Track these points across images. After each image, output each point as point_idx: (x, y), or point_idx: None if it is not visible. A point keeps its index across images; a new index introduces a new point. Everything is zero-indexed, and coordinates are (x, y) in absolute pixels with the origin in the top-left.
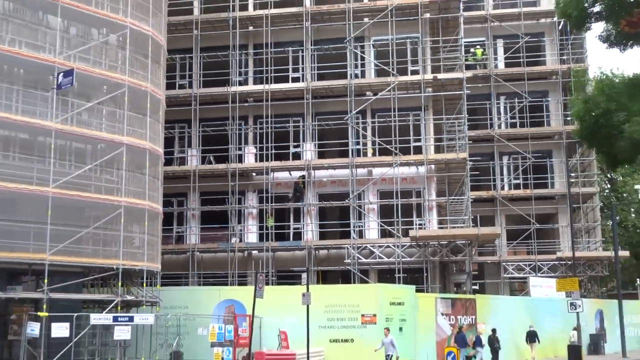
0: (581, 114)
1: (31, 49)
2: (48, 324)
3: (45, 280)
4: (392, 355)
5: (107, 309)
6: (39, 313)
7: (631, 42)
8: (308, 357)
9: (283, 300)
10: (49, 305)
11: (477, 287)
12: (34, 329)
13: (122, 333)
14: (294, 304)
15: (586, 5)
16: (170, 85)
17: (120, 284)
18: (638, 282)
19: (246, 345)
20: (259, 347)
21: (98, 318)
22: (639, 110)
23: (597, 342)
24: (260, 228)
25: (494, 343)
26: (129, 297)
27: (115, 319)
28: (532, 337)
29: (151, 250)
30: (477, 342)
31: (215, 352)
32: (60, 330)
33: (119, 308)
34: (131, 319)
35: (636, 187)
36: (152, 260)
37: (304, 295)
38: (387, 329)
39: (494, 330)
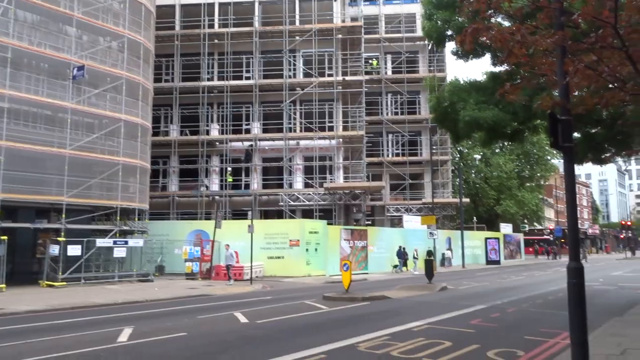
0: (435, 106)
1: (53, 50)
2: (65, 247)
3: (63, 215)
4: (232, 265)
5: (109, 235)
6: (58, 238)
7: (471, 55)
8: (251, 268)
9: (236, 230)
10: (66, 233)
11: (370, 222)
12: (54, 249)
13: (119, 252)
14: (243, 233)
15: (442, 30)
16: (158, 80)
17: (118, 218)
18: (474, 219)
19: (209, 261)
20: (218, 262)
21: (102, 242)
22: (473, 102)
23: (444, 259)
24: (222, 181)
25: (403, 255)
26: (125, 228)
27: (115, 242)
28: (403, 254)
29: (142, 195)
30: (400, 255)
31: (187, 265)
32: (74, 250)
33: (117, 235)
34: (126, 242)
35: (475, 156)
36: (142, 201)
37: (249, 226)
38: (227, 245)
39: (401, 247)
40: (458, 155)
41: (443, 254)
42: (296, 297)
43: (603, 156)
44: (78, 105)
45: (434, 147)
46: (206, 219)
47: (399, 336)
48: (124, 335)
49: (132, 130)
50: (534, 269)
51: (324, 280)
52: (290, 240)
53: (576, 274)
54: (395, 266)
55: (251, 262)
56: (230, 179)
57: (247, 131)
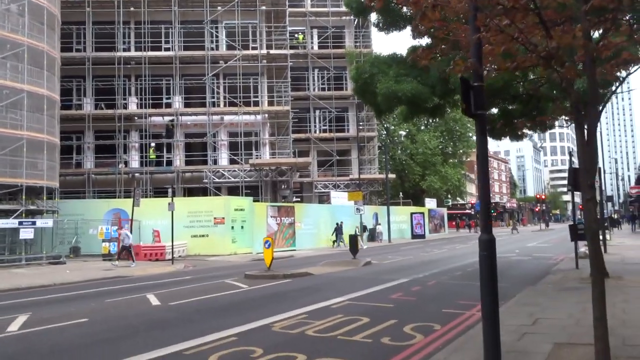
0: (355, 77)
1: None
2: None
3: None
4: (130, 244)
5: (13, 215)
6: None
7: (392, 28)
8: (172, 247)
9: (157, 208)
10: None
11: (299, 199)
12: None
13: (26, 234)
14: (165, 211)
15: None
16: (69, 49)
17: (24, 197)
18: (401, 195)
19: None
20: (138, 242)
21: (5, 223)
22: (393, 74)
23: (373, 234)
24: (142, 157)
25: (339, 231)
26: (32, 207)
27: (20, 223)
28: (340, 230)
29: (51, 172)
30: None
31: (103, 246)
32: None
33: (23, 215)
34: (34, 223)
35: (401, 132)
36: (51, 179)
37: (169, 204)
38: (121, 226)
39: (338, 224)
40: (385, 132)
41: (372, 229)
42: (217, 276)
43: (520, 132)
44: None
45: (361, 123)
46: (125, 197)
47: (317, 314)
48: (16, 324)
49: (37, 103)
50: (456, 242)
51: (251, 258)
52: (215, 218)
53: (487, 246)
54: (334, 242)
55: (172, 241)
56: (153, 155)
57: (168, 105)
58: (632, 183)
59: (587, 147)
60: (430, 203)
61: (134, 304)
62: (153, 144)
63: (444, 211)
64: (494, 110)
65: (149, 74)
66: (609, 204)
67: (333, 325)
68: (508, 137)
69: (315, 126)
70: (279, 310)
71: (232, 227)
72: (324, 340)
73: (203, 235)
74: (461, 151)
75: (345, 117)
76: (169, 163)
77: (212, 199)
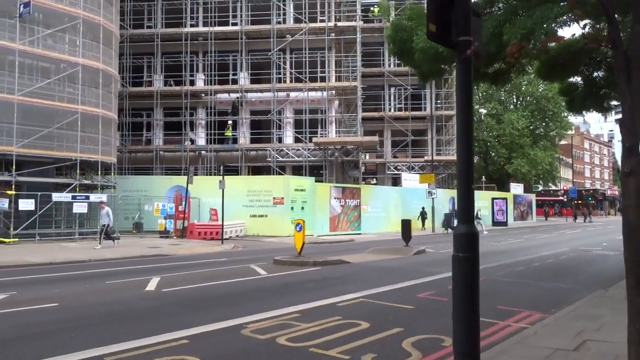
0: (392, 35)
1: None
2: (16, 200)
3: (13, 167)
4: (108, 225)
5: (67, 189)
6: (7, 191)
7: None
8: (222, 227)
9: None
10: (23, 187)
11: (375, 181)
12: (4, 203)
13: (79, 208)
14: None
15: None
16: (139, 25)
17: (78, 171)
18: (483, 179)
19: (186, 219)
20: (197, 220)
21: (59, 196)
22: None
23: (449, 219)
24: (208, 134)
25: (423, 215)
26: (86, 182)
27: (73, 197)
28: (422, 215)
29: (107, 147)
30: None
31: (159, 223)
32: (26, 205)
33: (77, 189)
34: (87, 197)
35: (481, 110)
36: (107, 154)
37: (220, 182)
38: (103, 204)
39: (423, 208)
40: None
41: (448, 214)
42: (252, 260)
43: (605, 104)
44: (27, 47)
45: (439, 101)
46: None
47: (313, 313)
48: None
49: (93, 77)
50: (539, 231)
51: (309, 240)
52: (274, 198)
53: (466, 243)
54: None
55: (222, 220)
56: (229, 133)
57: (234, 82)
58: None
59: None
60: (517, 188)
61: (128, 288)
62: (230, 122)
63: (532, 197)
64: (577, 79)
65: (215, 50)
66: None
67: (318, 331)
68: (592, 110)
69: (389, 104)
70: (274, 305)
71: (292, 208)
72: (289, 352)
73: (262, 215)
74: (554, 133)
75: (422, 94)
76: (235, 141)
77: (273, 178)
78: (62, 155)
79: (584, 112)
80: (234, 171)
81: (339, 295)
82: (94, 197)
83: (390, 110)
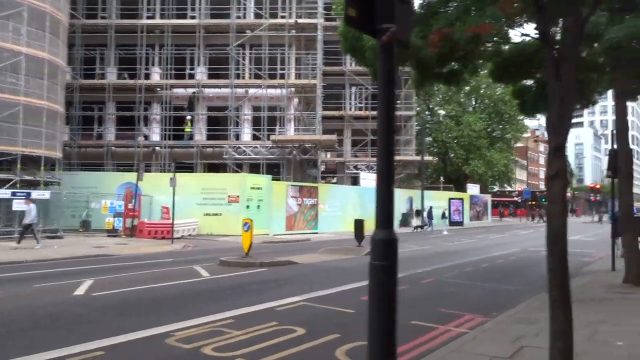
0: (344, 32)
1: None
2: None
3: None
4: (32, 223)
5: (7, 186)
6: None
7: None
8: (172, 226)
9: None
10: None
11: (335, 181)
12: None
13: (19, 205)
14: (179, 186)
15: None
16: (92, 16)
17: (19, 166)
18: (442, 179)
19: (136, 217)
20: (148, 219)
21: None
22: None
23: (406, 219)
24: (163, 130)
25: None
26: (27, 178)
27: (13, 194)
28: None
29: (51, 141)
30: (429, 215)
31: (107, 221)
32: None
33: (18, 186)
34: (28, 194)
35: (440, 112)
36: (51, 149)
37: (170, 179)
38: (29, 200)
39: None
40: (428, 113)
41: (406, 214)
42: (198, 260)
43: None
44: None
45: (398, 101)
46: (146, 171)
47: (248, 319)
48: None
49: (37, 67)
50: (493, 232)
51: (263, 240)
52: (229, 196)
53: (383, 250)
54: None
55: (172, 219)
56: (188, 129)
57: (191, 76)
58: None
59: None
60: (473, 189)
61: (55, 292)
62: (189, 117)
63: (488, 198)
64: (530, 82)
65: (172, 44)
66: None
67: (249, 339)
68: (543, 112)
69: (350, 103)
70: (209, 310)
71: (248, 207)
72: None
73: (216, 214)
74: (510, 135)
75: None
76: (191, 137)
77: (228, 175)
78: (1, 149)
79: (536, 115)
80: (189, 168)
81: (281, 299)
82: (36, 194)
83: (350, 109)
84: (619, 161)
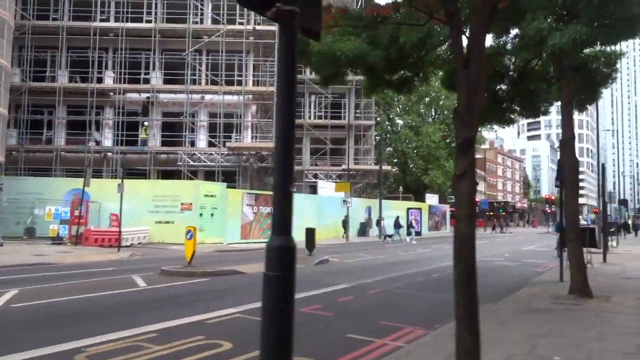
0: None
1: None
2: None
3: None
4: None
5: None
6: None
7: None
8: (120, 234)
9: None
10: None
11: (294, 189)
12: None
13: None
14: (129, 193)
15: None
16: (44, 17)
17: None
18: (401, 189)
19: (82, 224)
20: (95, 226)
21: None
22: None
23: (364, 228)
24: (115, 135)
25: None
26: None
27: None
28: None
29: None
30: (396, 225)
31: (51, 228)
32: None
33: None
34: None
35: (398, 121)
36: None
37: (118, 185)
38: None
39: (346, 217)
40: (389, 123)
41: (364, 223)
42: (140, 269)
43: (506, 117)
44: None
45: (358, 111)
46: (95, 177)
47: (174, 332)
48: None
49: None
50: (449, 242)
51: (217, 248)
52: (182, 204)
53: (278, 259)
54: (387, 236)
55: (120, 227)
56: (144, 134)
57: (146, 81)
58: None
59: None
60: (432, 199)
61: None
62: (146, 123)
63: (447, 208)
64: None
65: (127, 47)
66: (622, 207)
67: (168, 355)
68: (493, 122)
69: (309, 112)
70: (134, 323)
71: (201, 214)
72: None
73: (168, 222)
74: None
75: (342, 103)
76: (144, 143)
77: (181, 182)
78: None
79: (487, 125)
80: (142, 175)
81: (215, 310)
82: None
83: (309, 117)
84: (565, 171)
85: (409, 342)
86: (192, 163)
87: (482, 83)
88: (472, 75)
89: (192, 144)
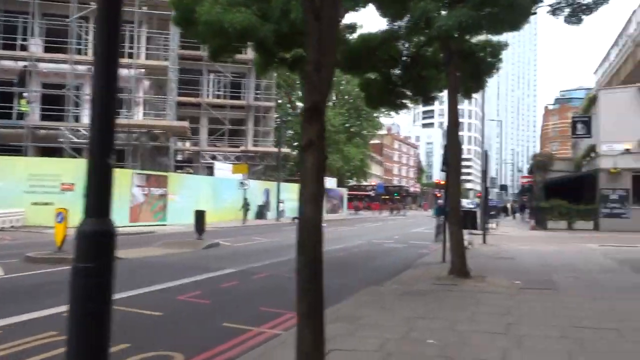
0: (175, 2)
1: None
2: None
3: None
4: None
5: None
6: None
7: None
8: None
9: None
10: None
11: (192, 170)
12: None
13: None
14: (3, 172)
15: None
16: None
17: None
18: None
19: None
20: None
21: None
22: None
23: (262, 211)
24: None
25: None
26: None
27: None
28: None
29: None
30: None
31: None
32: None
33: None
34: None
35: (299, 104)
36: None
37: None
38: None
39: (245, 199)
40: (290, 106)
41: (262, 206)
42: (4, 256)
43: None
44: None
45: (258, 91)
46: None
47: (25, 327)
48: None
49: None
50: (345, 224)
51: None
52: (63, 184)
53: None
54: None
55: None
56: (25, 107)
57: (24, 48)
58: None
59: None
60: (330, 182)
61: None
62: (26, 94)
63: (344, 192)
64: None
65: (1, 9)
66: (503, 192)
67: (7, 356)
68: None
69: (207, 90)
70: None
71: (85, 196)
72: None
73: (47, 203)
74: (366, 131)
75: (242, 83)
76: (21, 117)
77: (62, 161)
78: None
79: (381, 109)
80: (18, 152)
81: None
82: None
83: (208, 96)
84: (449, 156)
85: (287, 329)
86: (75, 140)
87: (334, 36)
88: (324, 29)
89: (76, 119)
